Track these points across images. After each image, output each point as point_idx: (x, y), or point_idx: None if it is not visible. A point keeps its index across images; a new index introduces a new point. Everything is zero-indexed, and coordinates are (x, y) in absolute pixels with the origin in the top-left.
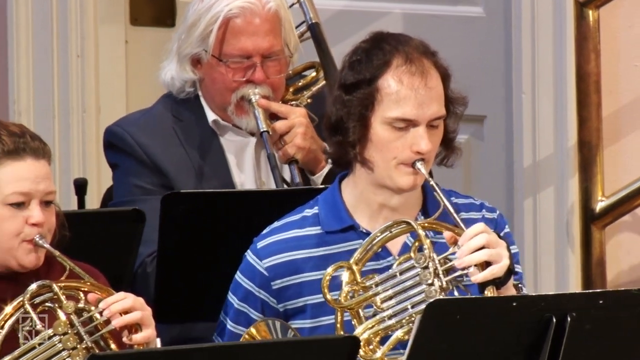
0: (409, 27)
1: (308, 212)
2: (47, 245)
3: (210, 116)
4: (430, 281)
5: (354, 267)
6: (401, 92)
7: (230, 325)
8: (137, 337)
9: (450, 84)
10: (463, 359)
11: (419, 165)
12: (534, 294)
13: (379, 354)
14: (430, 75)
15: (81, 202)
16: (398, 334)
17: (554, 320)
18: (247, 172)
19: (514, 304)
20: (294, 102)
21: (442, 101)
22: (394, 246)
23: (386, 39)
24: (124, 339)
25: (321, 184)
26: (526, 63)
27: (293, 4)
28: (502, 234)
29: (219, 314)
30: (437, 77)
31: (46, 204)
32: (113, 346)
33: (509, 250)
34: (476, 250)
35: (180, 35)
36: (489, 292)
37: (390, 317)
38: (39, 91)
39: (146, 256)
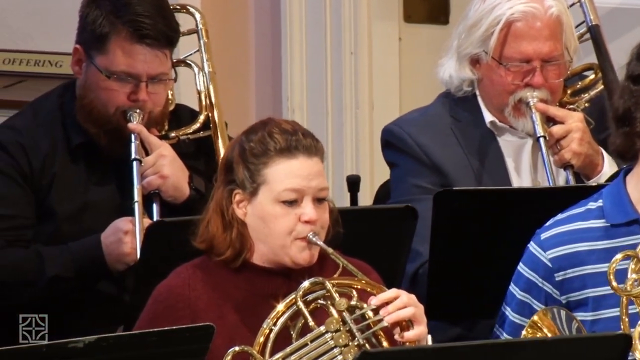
0: None
1: (592, 205)
2: (320, 243)
3: (488, 117)
4: None
5: None
6: None
7: (512, 316)
8: (409, 334)
9: None
10: None
11: None
12: None
13: None
14: None
15: (354, 199)
16: None
17: None
18: (524, 175)
19: None
20: (571, 106)
21: None
22: None
23: None
24: (396, 336)
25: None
26: None
27: (573, 4)
28: None
29: (493, 311)
30: None
31: (319, 201)
32: (385, 343)
33: None
34: None
35: (460, 34)
36: None
37: None
38: (312, 88)
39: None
